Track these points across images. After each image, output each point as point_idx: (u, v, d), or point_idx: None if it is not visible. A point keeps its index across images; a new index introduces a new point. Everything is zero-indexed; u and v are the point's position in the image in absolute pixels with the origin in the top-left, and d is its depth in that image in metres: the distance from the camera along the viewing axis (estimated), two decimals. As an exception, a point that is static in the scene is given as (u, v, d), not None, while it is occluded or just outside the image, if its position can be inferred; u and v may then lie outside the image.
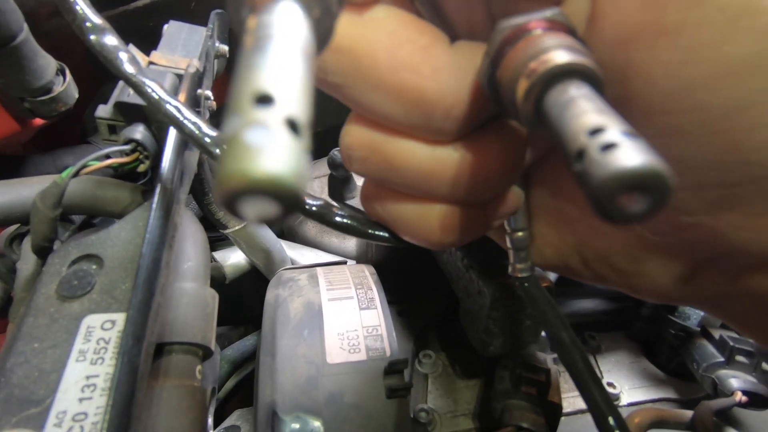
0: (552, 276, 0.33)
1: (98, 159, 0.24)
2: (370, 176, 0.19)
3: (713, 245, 0.17)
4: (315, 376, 0.31)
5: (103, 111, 0.26)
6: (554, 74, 0.11)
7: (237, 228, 0.46)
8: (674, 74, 0.13)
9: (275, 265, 0.52)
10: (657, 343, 0.40)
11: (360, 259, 0.54)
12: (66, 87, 0.28)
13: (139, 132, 0.26)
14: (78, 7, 0.18)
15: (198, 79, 0.30)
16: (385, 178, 0.18)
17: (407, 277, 0.47)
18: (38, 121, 0.30)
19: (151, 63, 0.29)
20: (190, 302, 0.26)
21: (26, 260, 0.27)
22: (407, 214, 0.19)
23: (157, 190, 0.22)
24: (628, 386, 0.38)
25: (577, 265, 0.22)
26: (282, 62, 0.08)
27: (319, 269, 0.41)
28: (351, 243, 0.59)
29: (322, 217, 0.22)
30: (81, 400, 0.20)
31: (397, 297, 0.46)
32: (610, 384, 0.38)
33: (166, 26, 0.34)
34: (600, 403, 0.19)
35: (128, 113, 0.26)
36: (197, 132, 0.21)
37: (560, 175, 0.20)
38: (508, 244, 0.22)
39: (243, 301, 0.59)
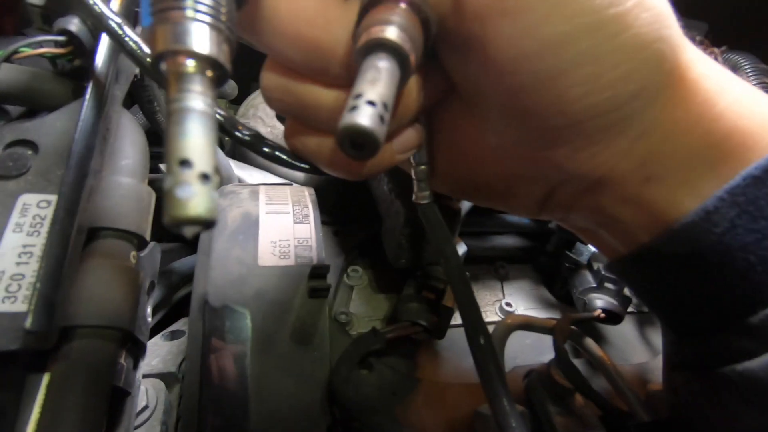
0: (465, 207, 0.37)
1: (30, 46, 0.25)
2: (289, 114, 0.22)
3: (556, 173, 0.21)
4: (245, 275, 0.34)
5: (37, -2, 0.26)
6: (378, 43, 0.15)
7: (183, 140, 0.47)
8: (515, 45, 0.17)
9: (222, 181, 0.53)
10: (555, 276, 0.47)
11: (306, 184, 0.56)
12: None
13: (74, 24, 0.26)
14: None
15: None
16: (301, 116, 0.21)
17: (345, 203, 0.50)
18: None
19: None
20: (126, 195, 0.28)
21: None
22: (321, 147, 0.21)
23: (90, 81, 0.24)
24: (523, 307, 0.44)
25: (469, 191, 0.26)
26: (193, 132, 0.12)
27: (261, 187, 0.44)
28: (300, 169, 0.61)
29: (253, 146, 0.24)
30: (18, 263, 0.22)
31: (335, 219, 0.50)
32: (508, 303, 0.44)
33: None
34: (466, 300, 0.24)
35: (64, 2, 0.26)
36: (138, 51, 0.22)
37: (455, 115, 0.23)
38: (413, 176, 0.25)
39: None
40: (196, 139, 0.11)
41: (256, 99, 0.64)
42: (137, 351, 0.34)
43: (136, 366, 0.35)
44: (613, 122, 0.19)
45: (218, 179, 0.12)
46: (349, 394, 0.31)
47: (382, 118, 0.15)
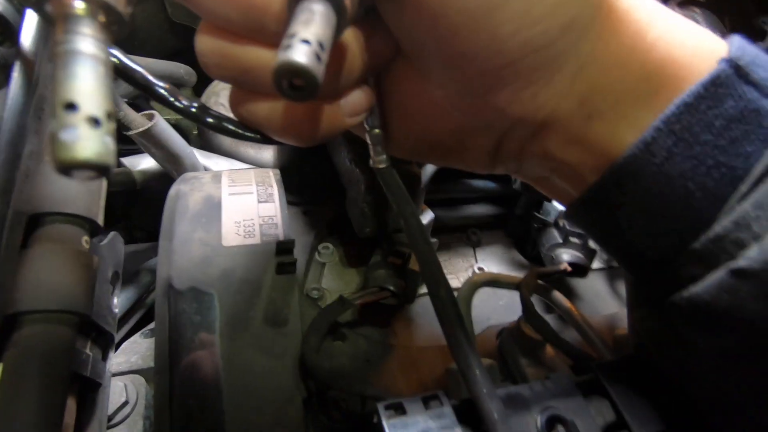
0: (428, 173, 0.37)
1: (-48, 27, 0.23)
2: (229, 80, 0.21)
3: (501, 120, 0.21)
4: (210, 256, 0.34)
5: (-45, -23, 0.25)
6: None
7: (141, 129, 0.46)
8: None
9: (186, 170, 0.52)
10: (525, 237, 0.47)
11: (273, 167, 0.56)
12: None
13: (-2, 3, 0.25)
14: None
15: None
16: (242, 81, 0.20)
17: (313, 183, 0.50)
18: None
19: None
20: (72, 179, 0.27)
21: None
22: (267, 113, 0.21)
23: (17, 60, 0.23)
24: (495, 269, 0.45)
25: (425, 151, 0.26)
26: (80, 75, 0.11)
27: (224, 172, 0.43)
28: (267, 153, 0.60)
29: (196, 117, 0.23)
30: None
31: (304, 200, 0.50)
32: (480, 268, 0.44)
33: None
34: (426, 258, 0.24)
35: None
36: None
37: (403, 77, 0.23)
38: (368, 141, 0.25)
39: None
40: (82, 82, 0.11)
41: (218, 86, 0.63)
42: (104, 341, 0.33)
43: (105, 357, 0.34)
44: (548, 59, 0.19)
45: (113, 125, 0.11)
46: (321, 363, 0.31)
47: (318, 56, 0.14)
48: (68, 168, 0.10)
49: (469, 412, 0.22)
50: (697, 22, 0.21)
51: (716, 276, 0.18)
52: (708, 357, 0.20)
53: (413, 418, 0.21)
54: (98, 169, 0.11)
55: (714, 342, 0.19)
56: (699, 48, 0.20)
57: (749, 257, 0.17)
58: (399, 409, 0.22)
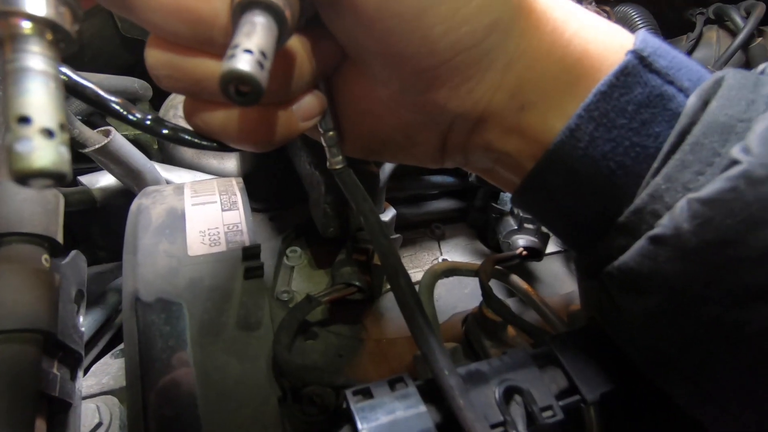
0: (386, 173, 0.38)
1: None
2: (181, 92, 0.22)
3: (443, 115, 0.23)
4: (176, 267, 0.34)
5: None
6: (250, 2, 0.16)
7: (97, 146, 0.45)
8: None
9: (148, 184, 0.52)
10: (486, 228, 0.49)
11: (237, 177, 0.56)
12: None
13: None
14: None
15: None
16: (195, 92, 0.21)
17: (279, 190, 0.50)
18: None
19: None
20: (28, 198, 0.27)
21: None
22: (222, 121, 0.21)
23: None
24: (458, 260, 0.47)
25: (377, 149, 0.27)
26: (32, 90, 0.12)
27: (187, 183, 0.43)
28: (230, 163, 0.60)
29: (152, 130, 0.24)
30: None
31: (270, 206, 0.50)
32: (445, 260, 0.46)
33: None
34: (385, 250, 0.25)
35: None
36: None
37: (351, 79, 0.24)
38: (323, 143, 0.26)
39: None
40: (34, 97, 0.12)
41: (176, 99, 0.62)
42: (72, 361, 0.33)
43: (73, 377, 0.34)
44: (478, 56, 0.20)
45: (67, 136, 0.12)
46: (293, 360, 0.32)
47: (261, 65, 0.16)
48: (25, 177, 0.11)
49: (432, 391, 0.23)
50: (608, 18, 0.23)
51: (638, 244, 0.21)
52: (637, 318, 0.22)
53: (380, 400, 0.23)
54: (55, 177, 0.11)
55: (641, 304, 0.22)
56: (610, 42, 0.22)
57: (662, 224, 0.19)
58: (367, 394, 0.23)
